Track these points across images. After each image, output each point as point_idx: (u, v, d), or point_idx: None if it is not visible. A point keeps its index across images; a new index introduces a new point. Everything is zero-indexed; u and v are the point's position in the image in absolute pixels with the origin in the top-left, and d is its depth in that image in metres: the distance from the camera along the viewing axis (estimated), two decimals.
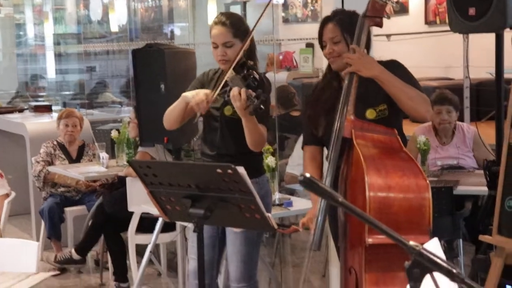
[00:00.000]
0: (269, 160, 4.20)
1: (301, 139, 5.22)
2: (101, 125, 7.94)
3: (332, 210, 2.97)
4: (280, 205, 4.19)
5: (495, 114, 4.14)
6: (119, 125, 6.96)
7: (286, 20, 10.99)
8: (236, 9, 10.15)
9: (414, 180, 2.65)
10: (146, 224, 4.99)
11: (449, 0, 4.13)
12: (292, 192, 4.97)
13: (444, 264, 1.80)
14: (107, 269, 5.56)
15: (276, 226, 2.87)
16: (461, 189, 4.43)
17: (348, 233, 2.83)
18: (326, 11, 4.13)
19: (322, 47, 3.11)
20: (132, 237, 5.08)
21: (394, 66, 2.95)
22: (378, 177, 2.61)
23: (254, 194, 2.71)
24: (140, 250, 5.11)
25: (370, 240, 2.60)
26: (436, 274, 1.83)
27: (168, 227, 4.89)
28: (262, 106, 3.21)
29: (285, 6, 10.83)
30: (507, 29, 3.99)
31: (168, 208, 3.00)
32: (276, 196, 4.23)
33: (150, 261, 4.86)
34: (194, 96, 3.42)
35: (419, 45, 8.39)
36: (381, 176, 2.62)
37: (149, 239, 4.78)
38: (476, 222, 4.56)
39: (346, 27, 3.02)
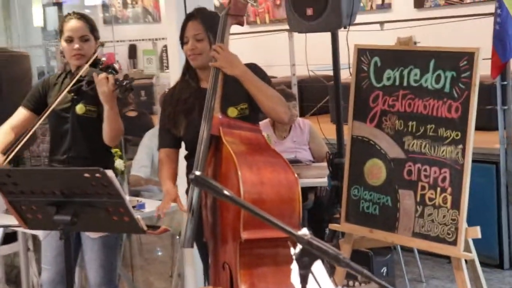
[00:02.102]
0: (118, 163, 4.16)
1: (143, 141, 5.24)
2: None
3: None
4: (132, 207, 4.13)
5: (335, 110, 4.36)
6: None
7: (106, 21, 10.81)
8: (53, 10, 9.89)
9: (284, 175, 2.75)
10: None
11: (288, 0, 4.30)
12: (137, 194, 4.93)
13: (331, 251, 1.93)
14: None
15: (145, 228, 2.87)
16: (304, 182, 4.60)
17: (218, 229, 2.88)
18: (169, 11, 4.17)
19: (183, 43, 3.13)
20: None
21: (253, 69, 3.04)
22: (250, 173, 2.68)
23: (123, 197, 2.73)
24: None
25: (245, 236, 2.66)
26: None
27: (6, 239, 4.68)
28: (131, 87, 3.18)
29: (105, 7, 10.66)
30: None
31: (29, 217, 2.91)
32: (127, 199, 4.17)
33: None
34: None
35: (241, 45, 8.59)
36: (253, 172, 2.69)
37: None
38: (321, 212, 4.79)
39: (209, 26, 3.07)
